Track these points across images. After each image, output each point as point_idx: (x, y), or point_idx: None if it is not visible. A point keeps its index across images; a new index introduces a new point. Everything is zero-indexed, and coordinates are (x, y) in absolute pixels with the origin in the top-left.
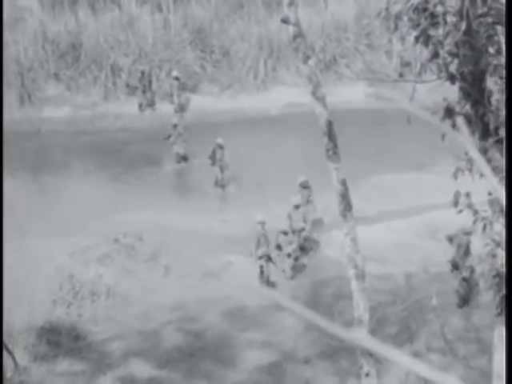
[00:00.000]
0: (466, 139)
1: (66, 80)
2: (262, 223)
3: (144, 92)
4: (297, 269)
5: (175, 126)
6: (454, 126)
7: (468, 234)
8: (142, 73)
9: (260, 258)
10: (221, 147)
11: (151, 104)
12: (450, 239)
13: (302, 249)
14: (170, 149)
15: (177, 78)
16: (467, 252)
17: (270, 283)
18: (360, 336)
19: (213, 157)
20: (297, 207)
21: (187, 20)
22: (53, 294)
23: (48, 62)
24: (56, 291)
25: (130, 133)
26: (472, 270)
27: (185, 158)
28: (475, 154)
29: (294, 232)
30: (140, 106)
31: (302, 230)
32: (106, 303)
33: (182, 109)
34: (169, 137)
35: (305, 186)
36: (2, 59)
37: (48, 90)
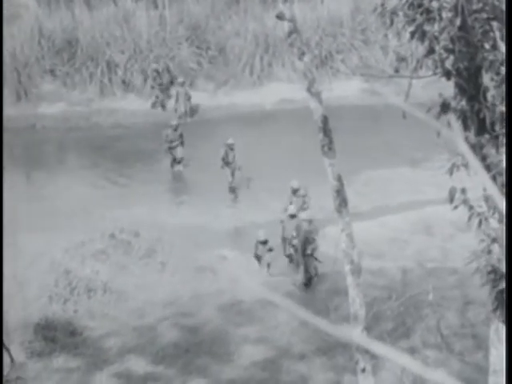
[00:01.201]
0: (457, 136)
1: (62, 76)
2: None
3: (162, 91)
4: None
5: (176, 128)
6: (449, 122)
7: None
8: (157, 71)
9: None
10: (231, 149)
11: (163, 103)
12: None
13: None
14: (169, 151)
15: (182, 84)
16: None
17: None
18: (353, 334)
19: (225, 158)
20: (292, 217)
21: (183, 16)
22: (48, 290)
23: (44, 58)
24: (52, 287)
25: (125, 129)
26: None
27: (179, 161)
28: (466, 151)
29: (284, 240)
30: (153, 104)
31: (293, 238)
32: (103, 299)
33: (185, 116)
34: (171, 142)
35: (297, 192)
36: (2, 57)
37: (44, 86)
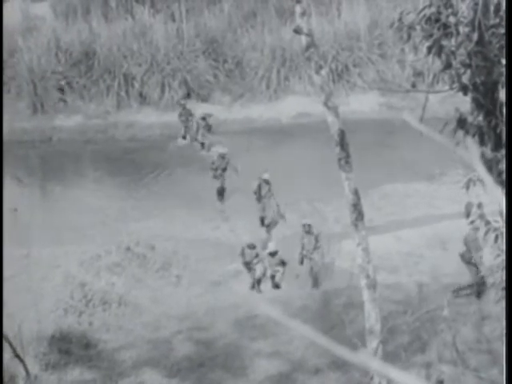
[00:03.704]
0: (473, 155)
1: (79, 89)
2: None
3: (186, 127)
4: None
5: (223, 156)
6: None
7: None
8: (183, 106)
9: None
10: (267, 183)
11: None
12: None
13: None
14: (214, 179)
15: (204, 119)
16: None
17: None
18: (364, 358)
19: (258, 192)
20: (273, 254)
21: (200, 29)
22: (63, 302)
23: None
24: (67, 300)
25: (141, 142)
26: None
27: (222, 192)
28: (482, 172)
29: (272, 277)
30: (184, 137)
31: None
32: (118, 312)
33: (203, 149)
34: (216, 169)
35: (308, 231)
36: (2, 65)
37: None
